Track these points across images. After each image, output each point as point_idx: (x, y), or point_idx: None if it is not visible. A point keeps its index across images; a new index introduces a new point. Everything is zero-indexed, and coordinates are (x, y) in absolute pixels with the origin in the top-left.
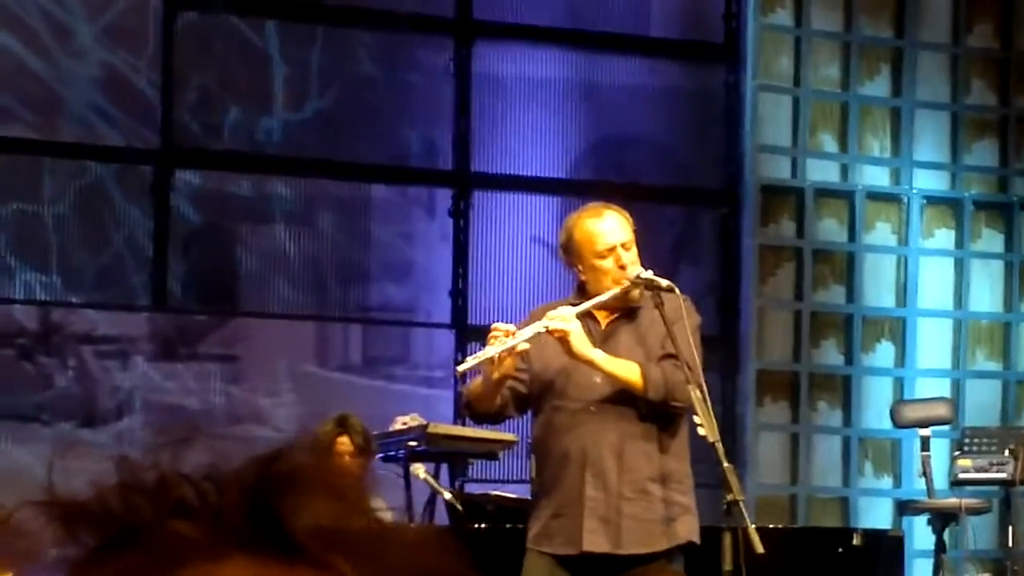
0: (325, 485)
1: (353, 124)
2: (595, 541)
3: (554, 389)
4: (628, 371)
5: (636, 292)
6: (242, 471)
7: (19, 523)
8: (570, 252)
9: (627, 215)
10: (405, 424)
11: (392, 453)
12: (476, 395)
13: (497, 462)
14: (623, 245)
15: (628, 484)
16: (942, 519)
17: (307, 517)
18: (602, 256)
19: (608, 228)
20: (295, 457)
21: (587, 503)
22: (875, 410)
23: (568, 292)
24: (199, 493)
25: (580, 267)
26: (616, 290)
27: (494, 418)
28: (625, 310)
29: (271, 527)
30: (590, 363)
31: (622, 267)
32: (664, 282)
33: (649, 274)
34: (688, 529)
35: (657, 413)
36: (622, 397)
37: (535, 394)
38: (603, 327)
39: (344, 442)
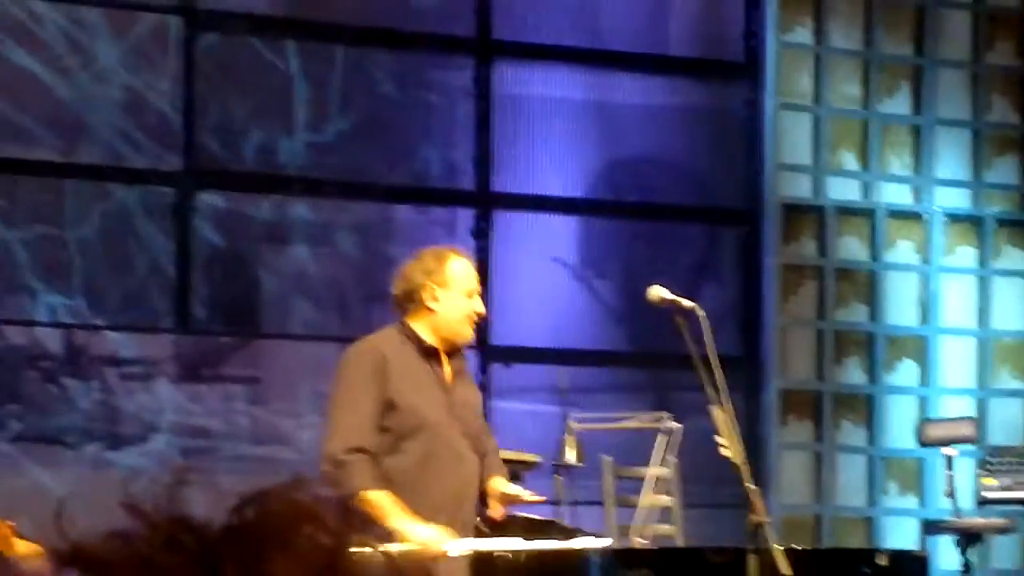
0: (290, 535)
1: (374, 145)
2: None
3: (430, 430)
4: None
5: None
6: (222, 520)
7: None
8: (440, 281)
9: None
10: None
11: None
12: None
13: (520, 483)
14: (478, 293)
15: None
16: (967, 538)
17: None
18: (470, 296)
19: (472, 272)
20: (264, 508)
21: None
22: (899, 429)
23: (586, 313)
24: (175, 541)
25: (438, 298)
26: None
27: None
28: (456, 368)
29: None
30: None
31: (480, 315)
32: (687, 302)
33: (671, 295)
34: None
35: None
36: (477, 445)
37: (404, 429)
38: (448, 375)
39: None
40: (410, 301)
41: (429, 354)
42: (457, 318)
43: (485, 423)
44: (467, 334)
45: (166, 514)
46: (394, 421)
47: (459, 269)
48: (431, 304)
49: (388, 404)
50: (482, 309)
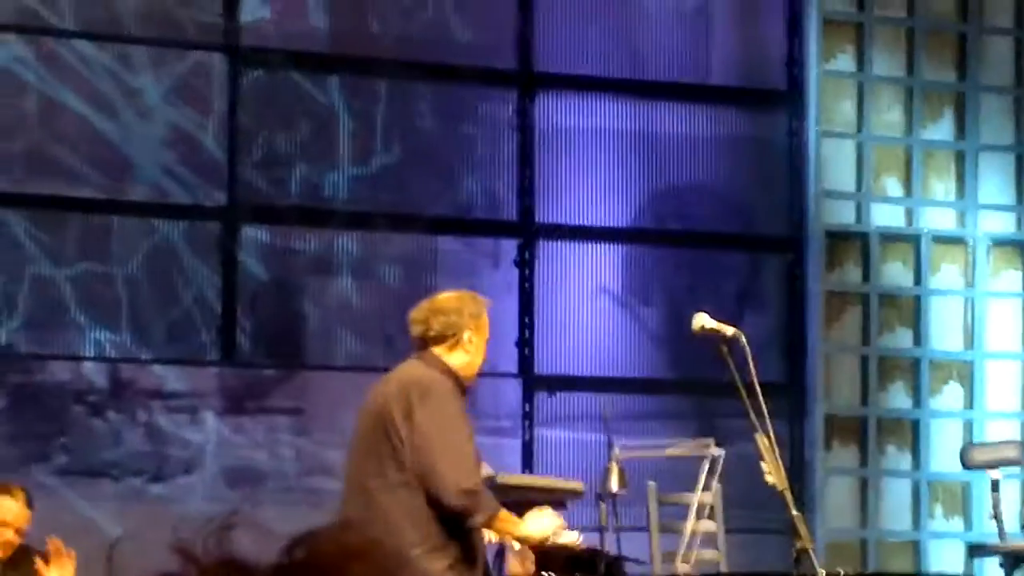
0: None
1: (418, 177)
2: None
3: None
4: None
5: None
6: (268, 564)
7: None
8: (475, 325)
9: None
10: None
11: None
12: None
13: (565, 510)
14: None
15: None
16: (1014, 561)
17: None
18: (487, 342)
19: None
20: (314, 548)
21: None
22: (944, 453)
23: (631, 342)
24: None
25: (471, 340)
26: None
27: None
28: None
29: None
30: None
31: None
32: (729, 330)
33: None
34: None
35: None
36: None
37: None
38: None
39: None
40: (447, 339)
41: (463, 392)
42: (477, 365)
43: None
44: (474, 382)
45: (216, 557)
46: None
47: (487, 320)
48: (467, 347)
49: None
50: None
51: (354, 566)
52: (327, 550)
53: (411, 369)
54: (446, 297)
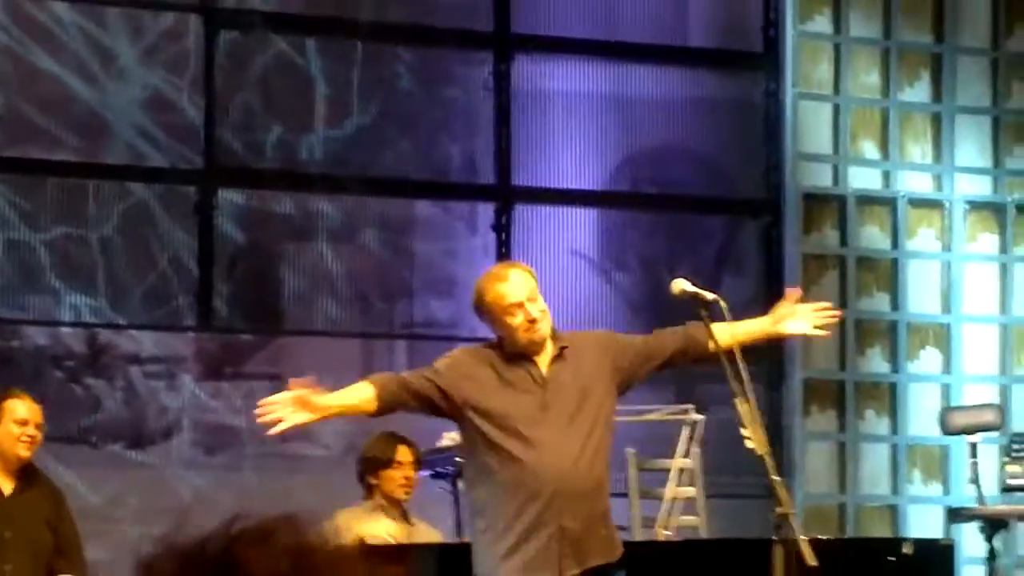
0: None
1: (394, 140)
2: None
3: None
4: None
5: (542, 335)
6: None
7: None
8: (483, 313)
9: (530, 269)
10: (453, 440)
11: (440, 470)
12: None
13: None
14: (529, 299)
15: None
16: (993, 526)
17: None
18: (511, 313)
19: (512, 286)
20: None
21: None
22: (922, 417)
23: (607, 306)
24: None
25: (494, 326)
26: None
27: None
28: (556, 354)
29: None
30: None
31: (532, 321)
32: (709, 295)
33: (693, 287)
34: None
35: None
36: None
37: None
38: (544, 372)
39: (405, 452)
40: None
41: (513, 357)
42: (516, 333)
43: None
44: (529, 341)
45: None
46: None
47: (492, 298)
48: (495, 328)
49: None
50: (532, 315)
51: (250, 552)
52: (226, 540)
53: None
54: None
